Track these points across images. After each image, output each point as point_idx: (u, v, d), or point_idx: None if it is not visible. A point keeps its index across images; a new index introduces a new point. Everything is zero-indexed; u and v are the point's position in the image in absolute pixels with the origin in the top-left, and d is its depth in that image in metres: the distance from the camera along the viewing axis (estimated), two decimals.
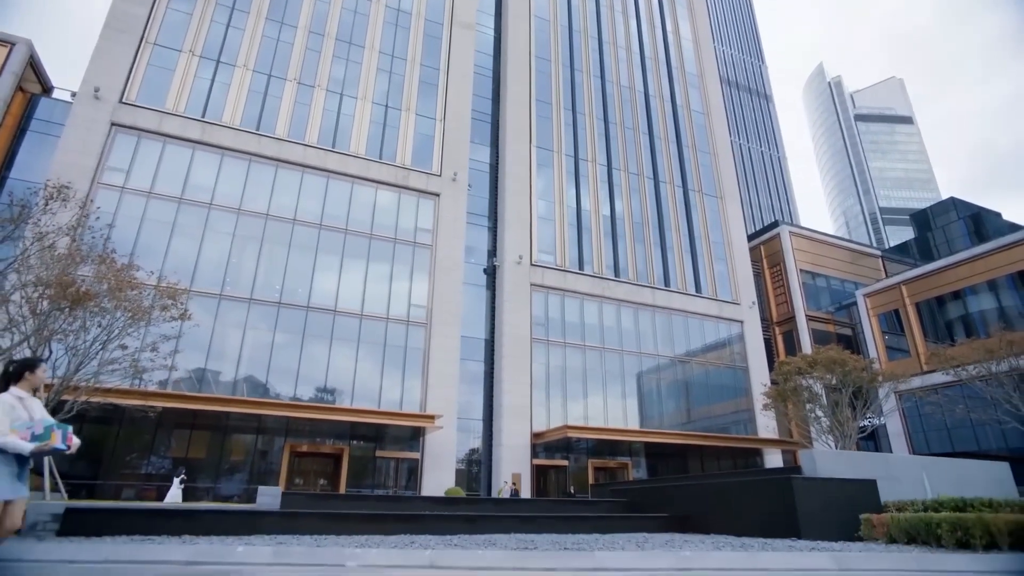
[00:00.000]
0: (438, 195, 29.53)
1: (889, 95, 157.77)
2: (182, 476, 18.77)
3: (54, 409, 13.39)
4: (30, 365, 4.54)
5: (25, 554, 5.98)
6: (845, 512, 9.04)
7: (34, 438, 4.17)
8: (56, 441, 4.23)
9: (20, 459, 4.17)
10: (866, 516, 8.66)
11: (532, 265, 31.29)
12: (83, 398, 14.62)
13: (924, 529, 7.51)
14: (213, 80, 27.09)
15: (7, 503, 4.00)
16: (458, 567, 6.19)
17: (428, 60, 32.67)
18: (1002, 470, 12.63)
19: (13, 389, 4.39)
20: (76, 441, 4.37)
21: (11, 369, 4.48)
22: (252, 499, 17.60)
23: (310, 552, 6.36)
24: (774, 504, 9.50)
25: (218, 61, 27.49)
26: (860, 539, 8.54)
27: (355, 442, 25.43)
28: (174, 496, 17.96)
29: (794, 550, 7.08)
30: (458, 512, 11.50)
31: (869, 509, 9.03)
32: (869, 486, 9.54)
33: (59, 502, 9.05)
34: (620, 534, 9.71)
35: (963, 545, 7.00)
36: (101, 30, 25.14)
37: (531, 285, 30.84)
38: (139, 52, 25.80)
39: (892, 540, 7.99)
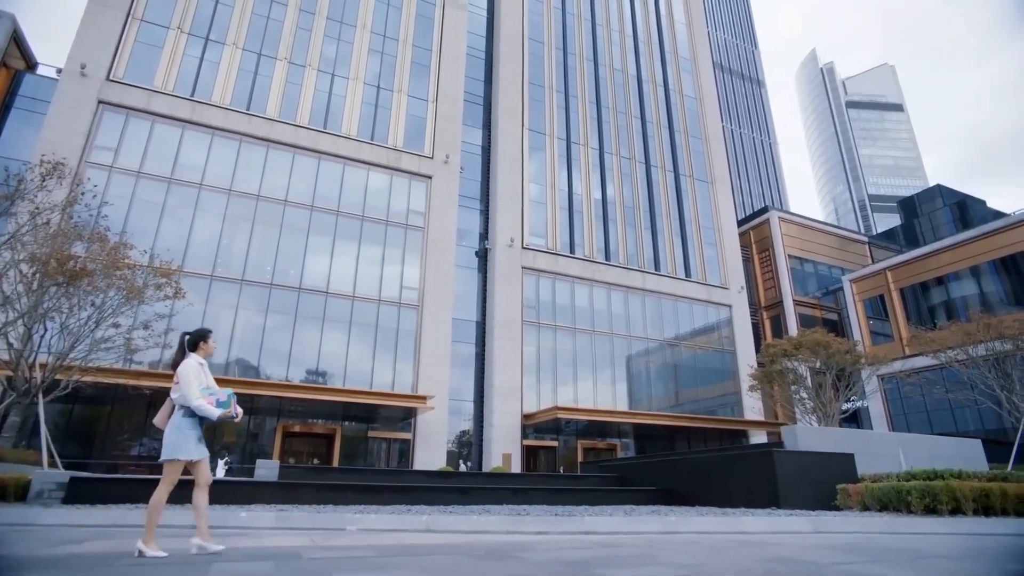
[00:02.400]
0: (430, 177, 29.49)
1: (881, 82, 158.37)
2: (227, 459, 19.16)
3: (48, 387, 13.45)
4: (203, 335, 4.79)
5: (36, 519, 6.18)
6: (824, 484, 9.45)
7: (219, 404, 4.40)
8: (232, 409, 4.45)
9: (202, 423, 4.43)
10: (842, 486, 9.08)
11: (524, 248, 31.46)
12: (76, 377, 14.68)
13: (896, 497, 7.91)
14: (202, 58, 26.72)
15: (197, 462, 4.30)
16: (454, 531, 6.47)
17: (420, 40, 32.37)
18: (974, 446, 13.17)
19: (193, 356, 4.57)
20: (240, 410, 4.60)
21: (187, 339, 4.70)
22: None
23: (311, 517, 6.61)
24: (757, 477, 9.88)
25: (207, 38, 27.08)
26: (836, 507, 8.95)
27: (347, 423, 25.70)
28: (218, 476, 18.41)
29: (773, 515, 7.45)
30: (452, 484, 11.83)
31: (846, 481, 9.44)
32: (847, 460, 9.95)
33: (64, 471, 9.23)
34: (608, 505, 10.07)
35: (931, 511, 7.40)
36: (87, 4, 24.63)
37: (522, 268, 31.04)
38: (126, 28, 25.36)
39: (866, 508, 8.41)
